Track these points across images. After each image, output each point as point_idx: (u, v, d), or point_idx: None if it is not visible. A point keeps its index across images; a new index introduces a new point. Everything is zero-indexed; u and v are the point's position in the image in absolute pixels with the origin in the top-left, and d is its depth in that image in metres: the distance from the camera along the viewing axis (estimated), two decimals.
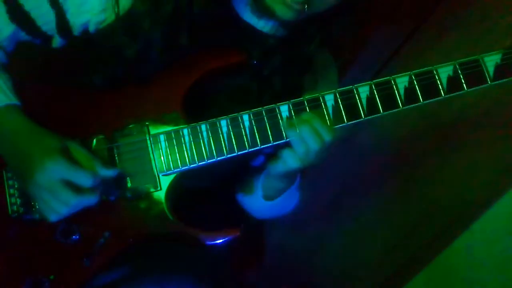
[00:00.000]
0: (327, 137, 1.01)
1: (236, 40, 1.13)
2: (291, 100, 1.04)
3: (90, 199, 1.00)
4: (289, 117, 1.03)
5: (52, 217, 1.00)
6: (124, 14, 1.08)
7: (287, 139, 1.04)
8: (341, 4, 1.05)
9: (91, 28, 1.11)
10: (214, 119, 1.05)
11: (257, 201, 1.25)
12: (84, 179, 0.98)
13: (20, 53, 1.18)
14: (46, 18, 1.10)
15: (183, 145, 1.06)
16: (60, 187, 0.96)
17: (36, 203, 1.05)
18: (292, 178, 1.19)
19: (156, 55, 1.10)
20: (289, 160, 1.04)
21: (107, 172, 1.02)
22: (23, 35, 1.12)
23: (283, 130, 1.04)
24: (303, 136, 1.00)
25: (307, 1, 1.00)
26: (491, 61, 1.03)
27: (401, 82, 1.03)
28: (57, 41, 1.15)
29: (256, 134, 1.04)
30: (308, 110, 1.03)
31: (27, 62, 1.25)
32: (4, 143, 1.03)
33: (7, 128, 1.03)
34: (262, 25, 1.12)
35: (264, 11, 1.05)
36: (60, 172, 0.97)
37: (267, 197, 1.23)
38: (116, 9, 1.08)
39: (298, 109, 1.03)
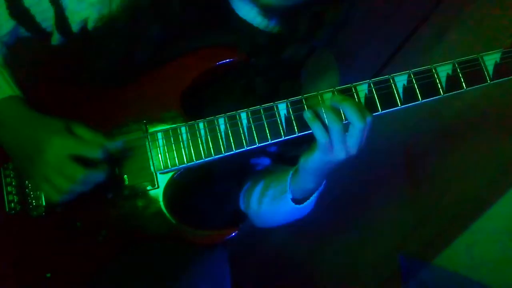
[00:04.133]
0: (368, 115, 0.98)
1: (232, 37, 1.12)
2: (289, 99, 1.03)
3: (98, 175, 1.01)
4: (287, 116, 1.03)
5: (56, 197, 1.01)
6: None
7: (285, 138, 1.02)
8: None
9: (90, 26, 1.11)
10: (212, 117, 1.04)
11: (282, 205, 1.18)
12: (93, 151, 1.00)
13: (19, 51, 1.18)
14: (45, 15, 1.10)
15: (181, 143, 1.05)
16: (68, 162, 0.98)
17: (40, 186, 1.05)
18: (322, 177, 1.13)
19: (143, 48, 1.09)
20: (337, 146, 0.99)
21: (113, 145, 1.04)
22: (23, 31, 1.13)
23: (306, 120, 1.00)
24: (346, 112, 0.97)
25: None
26: (490, 60, 1.02)
27: (400, 80, 1.02)
28: (56, 38, 1.15)
29: (254, 132, 1.03)
30: (306, 109, 1.02)
31: (26, 59, 1.26)
32: (8, 132, 1.04)
33: (11, 115, 1.04)
34: (258, 21, 1.11)
35: None
36: (69, 147, 0.99)
37: (296, 201, 1.16)
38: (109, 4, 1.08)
39: (296, 107, 1.03)
